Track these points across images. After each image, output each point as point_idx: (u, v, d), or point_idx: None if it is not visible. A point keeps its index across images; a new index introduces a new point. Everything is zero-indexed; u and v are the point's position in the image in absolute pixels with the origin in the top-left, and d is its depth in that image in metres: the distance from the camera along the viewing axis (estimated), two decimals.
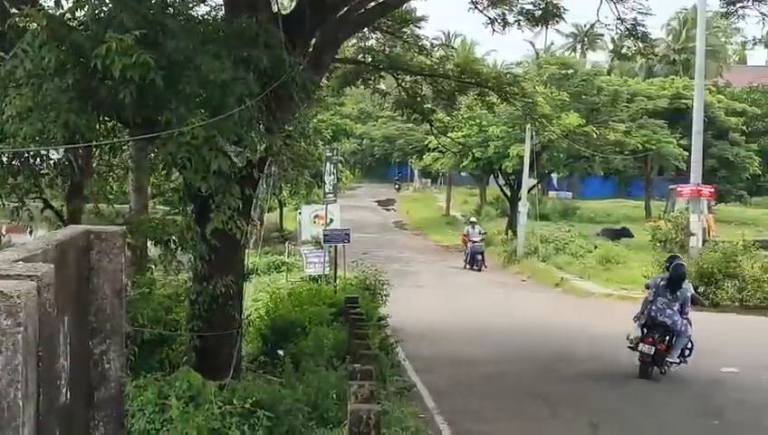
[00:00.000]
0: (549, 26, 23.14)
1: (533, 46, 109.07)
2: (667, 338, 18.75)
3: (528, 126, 43.72)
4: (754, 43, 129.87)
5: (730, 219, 54.47)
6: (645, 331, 18.81)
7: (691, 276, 30.96)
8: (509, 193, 55.35)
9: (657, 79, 72.45)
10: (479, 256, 42.89)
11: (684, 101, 60.58)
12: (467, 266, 43.08)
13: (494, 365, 20.55)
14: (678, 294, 18.74)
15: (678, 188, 40.38)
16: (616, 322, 28.47)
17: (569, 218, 57.07)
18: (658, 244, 37.95)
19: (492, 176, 59.74)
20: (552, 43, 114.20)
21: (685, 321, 18.75)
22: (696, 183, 35.48)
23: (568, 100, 51.52)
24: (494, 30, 21.63)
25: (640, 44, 22.80)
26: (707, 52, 43.03)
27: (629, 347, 18.87)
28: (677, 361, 18.89)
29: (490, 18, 21.57)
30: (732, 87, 78.49)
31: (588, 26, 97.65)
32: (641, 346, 18.61)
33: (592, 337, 24.84)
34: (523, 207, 46.64)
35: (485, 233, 45.35)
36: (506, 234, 51.20)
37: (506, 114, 45.55)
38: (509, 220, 53.74)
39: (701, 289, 30.53)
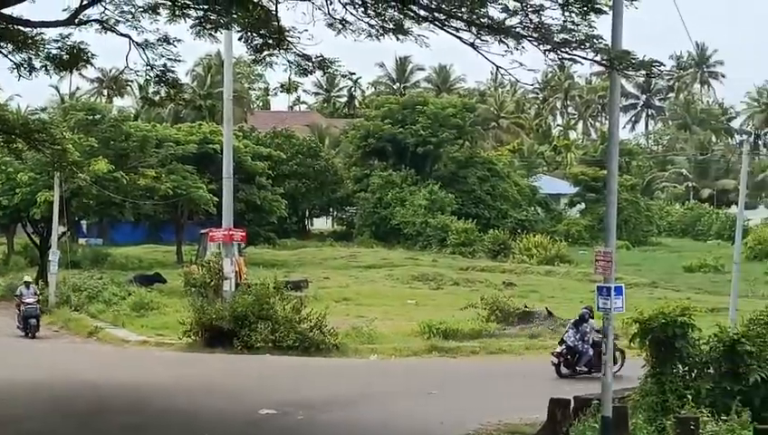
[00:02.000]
0: (77, 71, 22.81)
1: (58, 91, 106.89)
2: (576, 356, 27.90)
3: (57, 173, 42.66)
4: (282, 91, 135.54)
5: (260, 262, 56.17)
6: (561, 349, 28.08)
7: (225, 319, 31.64)
8: (38, 241, 53.63)
9: (185, 124, 73.38)
10: (33, 320, 37.87)
11: (211, 145, 61.86)
12: (21, 331, 37.99)
13: (33, 423, 19.77)
14: (580, 328, 27.99)
15: (211, 233, 41.02)
16: (153, 369, 28.47)
17: (100, 265, 56.13)
18: (193, 289, 38.30)
19: (20, 224, 57.68)
20: (78, 88, 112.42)
21: (587, 346, 27.83)
22: (227, 227, 36.19)
23: (96, 145, 50.92)
24: (20, 75, 21.00)
25: (171, 90, 22.99)
26: (233, 98, 44.15)
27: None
28: (585, 369, 27.82)
29: (16, 63, 20.92)
30: (257, 132, 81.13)
31: (115, 71, 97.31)
32: (552, 357, 28.06)
33: (131, 387, 24.60)
34: (54, 255, 45.34)
35: (40, 294, 41.78)
36: (37, 283, 49.50)
37: (34, 160, 44.19)
38: (39, 269, 52.01)
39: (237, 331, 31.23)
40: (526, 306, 37.86)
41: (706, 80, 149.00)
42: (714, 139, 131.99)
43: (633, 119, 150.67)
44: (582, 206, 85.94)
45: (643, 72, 15.03)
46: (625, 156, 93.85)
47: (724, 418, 16.43)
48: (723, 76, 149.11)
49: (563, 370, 27.77)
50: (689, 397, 17.59)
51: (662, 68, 15.02)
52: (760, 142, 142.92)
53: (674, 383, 18.23)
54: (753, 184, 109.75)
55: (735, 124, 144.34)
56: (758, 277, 54.20)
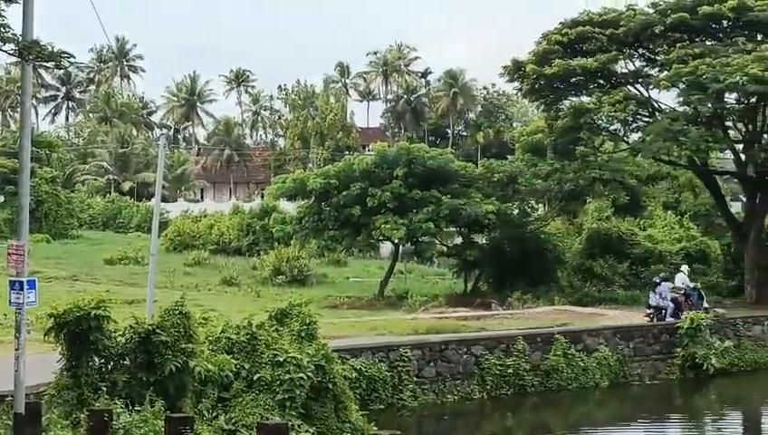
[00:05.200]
0: None
1: None
2: (662, 311, 37.87)
3: None
4: None
5: None
6: (649, 311, 38.35)
7: None
8: None
9: None
10: None
11: None
12: None
13: None
14: (658, 290, 38.04)
15: None
16: None
17: None
18: None
19: None
20: None
21: (667, 302, 37.86)
22: None
23: None
24: None
25: None
26: None
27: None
28: (673, 320, 37.23)
29: None
30: None
31: None
32: (645, 318, 38.37)
33: None
34: None
35: None
36: None
37: None
38: None
39: None
40: None
41: (127, 74, 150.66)
42: (134, 132, 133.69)
43: (53, 111, 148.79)
44: (1, 199, 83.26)
45: (53, 62, 14.85)
46: (45, 148, 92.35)
47: (139, 408, 16.74)
48: (143, 70, 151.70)
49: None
50: (104, 389, 17.73)
51: (73, 60, 14.94)
52: (179, 136, 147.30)
53: (90, 376, 18.30)
54: (173, 177, 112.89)
55: (156, 118, 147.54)
56: (177, 268, 55.76)
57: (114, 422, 14.58)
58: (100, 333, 18.40)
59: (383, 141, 65.67)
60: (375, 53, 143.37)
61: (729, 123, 46.06)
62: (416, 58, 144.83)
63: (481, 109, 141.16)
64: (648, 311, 38.44)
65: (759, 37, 43.67)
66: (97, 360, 18.64)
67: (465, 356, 32.17)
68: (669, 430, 31.43)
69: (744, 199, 52.07)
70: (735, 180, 54.07)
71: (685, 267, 42.15)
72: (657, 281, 39.05)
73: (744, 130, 45.88)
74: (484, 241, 48.26)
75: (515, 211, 48.24)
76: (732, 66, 40.01)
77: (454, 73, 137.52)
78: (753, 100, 43.39)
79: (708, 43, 43.83)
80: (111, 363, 18.79)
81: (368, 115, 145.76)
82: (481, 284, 47.86)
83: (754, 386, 36.86)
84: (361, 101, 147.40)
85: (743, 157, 46.56)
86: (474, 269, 47.89)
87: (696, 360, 36.18)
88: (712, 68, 40.38)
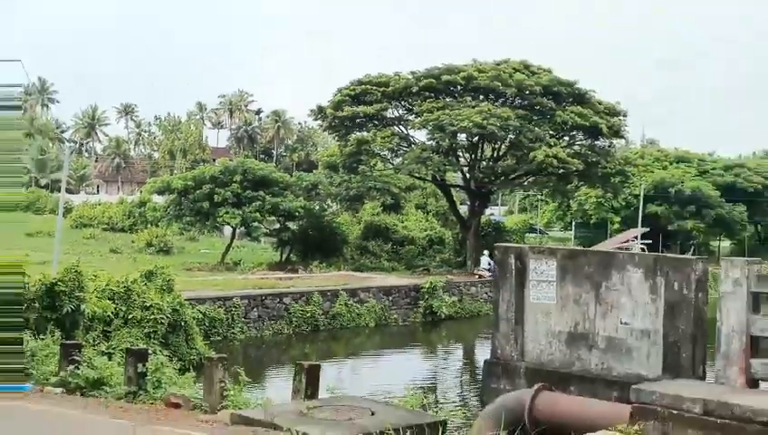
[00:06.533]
0: None
1: None
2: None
3: None
4: None
5: None
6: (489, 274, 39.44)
7: None
8: None
9: None
10: None
11: None
12: None
13: None
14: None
15: None
16: None
17: None
18: None
19: None
20: None
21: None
22: None
23: None
24: None
25: None
26: None
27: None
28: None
29: None
30: None
31: None
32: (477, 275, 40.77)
33: None
34: None
35: None
36: None
37: None
38: None
39: None
40: None
41: (46, 103, 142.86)
42: (50, 144, 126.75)
43: None
44: None
45: None
46: None
47: (43, 337, 16.18)
48: (57, 102, 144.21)
49: None
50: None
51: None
52: (83, 148, 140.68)
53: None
54: (77, 177, 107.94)
55: (67, 135, 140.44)
56: (77, 241, 53.45)
57: (25, 347, 14.03)
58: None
59: (227, 157, 64.63)
60: (224, 96, 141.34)
61: (460, 153, 47.56)
62: (252, 101, 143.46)
63: (296, 137, 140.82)
64: (486, 273, 41.07)
65: (481, 97, 45.23)
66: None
67: (278, 304, 32.25)
68: (414, 355, 32.29)
69: (469, 204, 53.82)
70: (463, 191, 55.85)
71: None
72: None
73: (469, 158, 47.47)
74: (294, 227, 48.13)
75: (317, 207, 48.47)
76: (462, 115, 41.43)
77: (278, 112, 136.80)
78: (476, 138, 45.02)
79: (447, 99, 45.06)
80: (25, 305, 18.03)
81: (218, 139, 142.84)
82: (292, 256, 47.80)
83: (471, 327, 38.15)
84: (213, 129, 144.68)
85: (468, 176, 48.13)
86: (287, 246, 47.77)
87: (433, 309, 37.32)
88: (449, 116, 41.68)
